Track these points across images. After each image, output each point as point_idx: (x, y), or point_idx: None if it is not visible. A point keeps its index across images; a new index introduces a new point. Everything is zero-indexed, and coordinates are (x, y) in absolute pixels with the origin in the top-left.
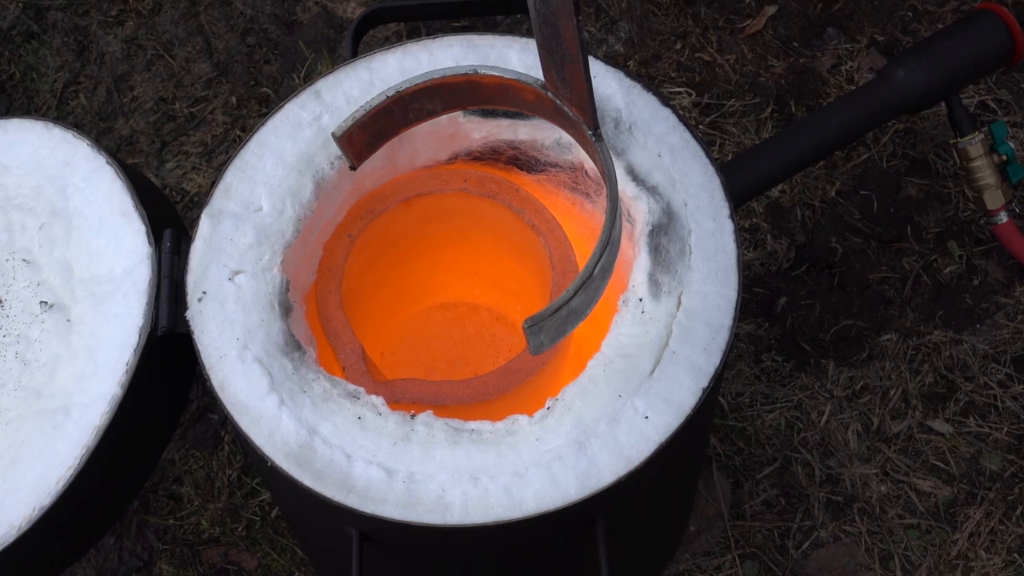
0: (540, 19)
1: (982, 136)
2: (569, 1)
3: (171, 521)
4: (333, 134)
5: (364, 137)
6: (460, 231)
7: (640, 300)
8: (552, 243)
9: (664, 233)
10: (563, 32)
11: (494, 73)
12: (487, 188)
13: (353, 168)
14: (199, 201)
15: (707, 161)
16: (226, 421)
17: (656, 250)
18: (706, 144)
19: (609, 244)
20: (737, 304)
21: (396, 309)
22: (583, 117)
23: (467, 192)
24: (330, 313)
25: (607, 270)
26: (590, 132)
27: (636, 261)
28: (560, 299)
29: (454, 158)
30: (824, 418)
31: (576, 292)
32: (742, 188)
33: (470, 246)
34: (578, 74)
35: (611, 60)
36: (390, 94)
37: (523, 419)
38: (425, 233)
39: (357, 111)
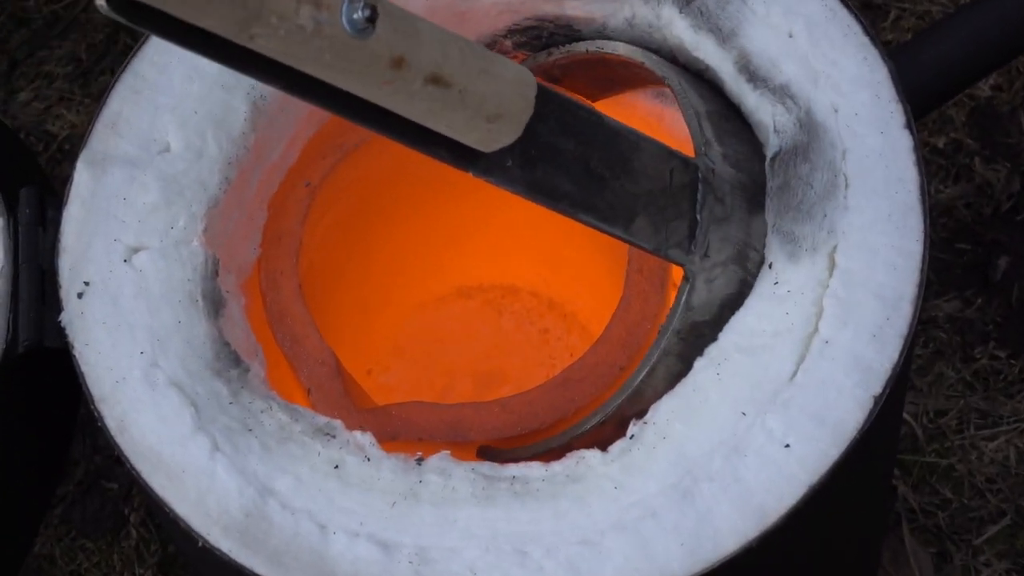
0: None
1: None
2: None
3: None
4: None
5: None
6: None
7: (770, 266)
8: None
9: (803, 158)
10: None
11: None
12: None
13: None
14: (72, 150)
15: (866, 41)
16: (131, 490)
17: (785, 188)
18: (866, 17)
19: None
20: (923, 262)
21: (389, 299)
22: None
23: None
24: (284, 305)
25: None
26: None
27: None
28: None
29: None
30: None
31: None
32: (927, 84)
33: (499, 195)
34: None
35: None
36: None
37: (593, 457)
38: (428, 176)
39: None
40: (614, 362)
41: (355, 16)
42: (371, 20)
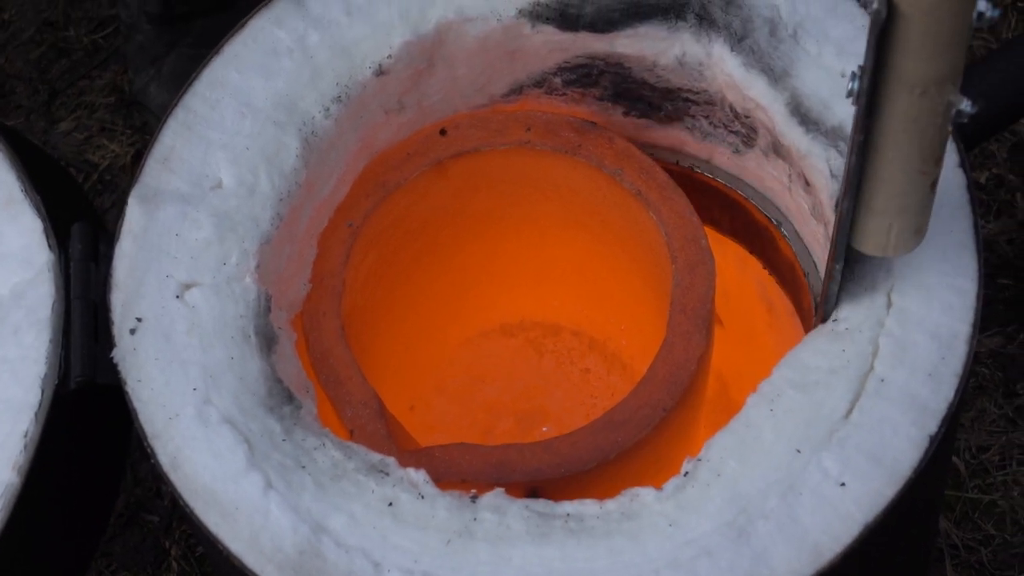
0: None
1: None
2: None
3: None
4: None
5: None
6: (525, 210)
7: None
8: (669, 220)
9: None
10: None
11: None
12: (563, 139)
13: None
14: (113, 180)
15: None
16: (171, 523)
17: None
18: None
19: None
20: (978, 301)
21: (431, 337)
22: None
23: (532, 147)
24: (326, 346)
25: None
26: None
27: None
28: None
29: (516, 91)
30: None
31: None
32: (973, 121)
33: (542, 233)
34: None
35: None
36: None
37: (647, 494)
38: (469, 215)
39: None
40: (658, 403)
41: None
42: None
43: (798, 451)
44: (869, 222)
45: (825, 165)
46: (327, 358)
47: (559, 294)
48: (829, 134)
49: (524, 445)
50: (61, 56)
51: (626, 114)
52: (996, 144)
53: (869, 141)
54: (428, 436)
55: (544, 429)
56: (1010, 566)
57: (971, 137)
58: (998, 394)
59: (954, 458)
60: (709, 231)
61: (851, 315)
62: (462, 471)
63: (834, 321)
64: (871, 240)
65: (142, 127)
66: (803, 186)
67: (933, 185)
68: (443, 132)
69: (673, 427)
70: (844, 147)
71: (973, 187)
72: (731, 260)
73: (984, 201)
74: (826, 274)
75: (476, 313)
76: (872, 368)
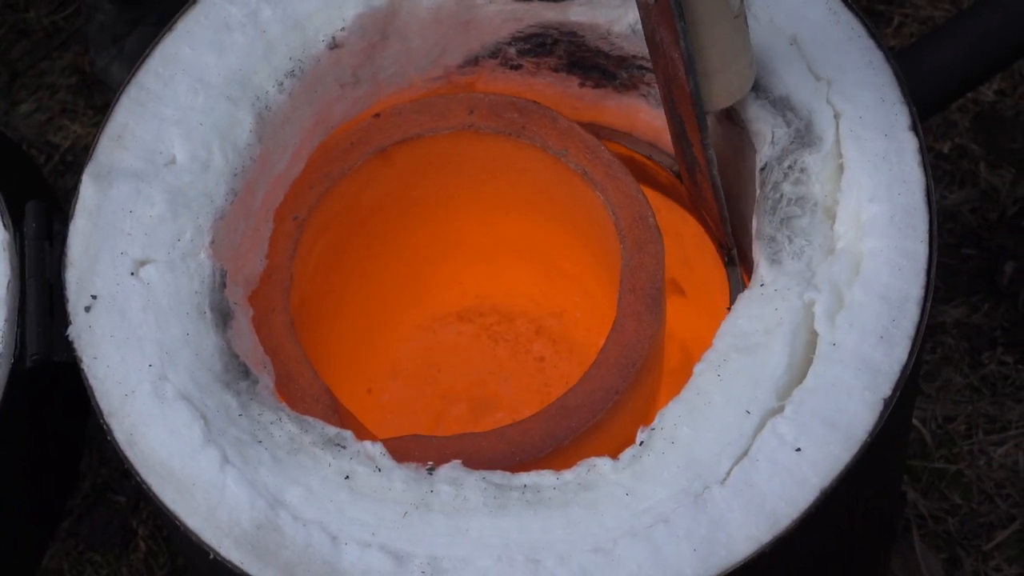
0: (668, 109)
1: None
2: (692, 115)
3: None
4: None
5: None
6: (472, 192)
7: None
8: (615, 199)
9: (798, 167)
10: (690, 138)
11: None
12: (506, 121)
13: None
14: (75, 161)
15: (871, 44)
16: (139, 503)
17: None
18: (871, 21)
19: None
20: (930, 262)
21: (386, 321)
22: (715, 234)
23: (476, 130)
24: (276, 342)
25: None
26: (723, 254)
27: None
28: None
29: (472, 62)
30: None
31: None
32: (932, 88)
33: (491, 213)
34: (707, 187)
35: None
36: None
37: (604, 464)
38: (417, 199)
39: None
40: (610, 387)
41: None
42: None
43: (747, 412)
44: (715, 83)
45: (769, 131)
46: (278, 353)
47: (513, 271)
48: (776, 103)
49: (478, 435)
50: (21, 37)
51: (581, 84)
52: (959, 114)
53: (689, 22)
54: (383, 419)
55: (499, 416)
56: (977, 535)
57: (932, 105)
58: (963, 364)
59: (920, 428)
60: (665, 203)
61: (777, 279)
62: (416, 462)
63: (761, 286)
64: (721, 96)
65: (104, 107)
66: (751, 153)
67: (743, 20)
68: (377, 116)
69: (627, 409)
70: (789, 116)
71: (925, 149)
72: (693, 229)
73: (947, 171)
74: (704, 161)
75: (431, 296)
76: (810, 326)
